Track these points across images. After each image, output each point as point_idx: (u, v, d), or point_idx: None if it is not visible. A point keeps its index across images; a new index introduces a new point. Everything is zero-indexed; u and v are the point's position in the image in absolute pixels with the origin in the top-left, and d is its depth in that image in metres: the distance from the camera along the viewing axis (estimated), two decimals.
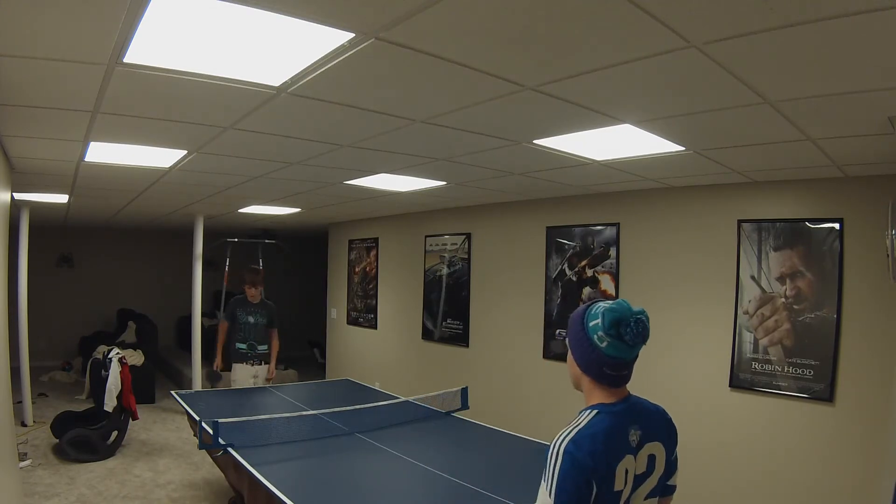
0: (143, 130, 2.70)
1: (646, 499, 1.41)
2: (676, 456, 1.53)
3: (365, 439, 3.22)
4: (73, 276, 9.56)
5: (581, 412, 1.42)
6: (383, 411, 3.64)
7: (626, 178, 3.71)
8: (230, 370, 5.01)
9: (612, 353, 1.37)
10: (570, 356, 1.49)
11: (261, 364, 5.02)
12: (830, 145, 2.60)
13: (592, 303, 1.43)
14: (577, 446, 1.30)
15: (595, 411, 1.41)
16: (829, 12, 1.35)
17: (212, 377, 6.13)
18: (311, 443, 3.15)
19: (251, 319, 5.00)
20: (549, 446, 1.34)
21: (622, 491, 1.33)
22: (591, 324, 1.39)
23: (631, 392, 1.48)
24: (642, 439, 1.40)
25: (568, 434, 1.34)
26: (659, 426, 1.49)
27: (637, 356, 1.42)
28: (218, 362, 5.13)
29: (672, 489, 1.54)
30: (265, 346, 5.06)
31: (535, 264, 4.88)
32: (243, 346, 4.96)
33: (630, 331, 1.35)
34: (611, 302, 1.40)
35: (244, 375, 4.93)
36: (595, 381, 1.44)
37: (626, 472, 1.34)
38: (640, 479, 1.38)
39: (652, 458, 1.42)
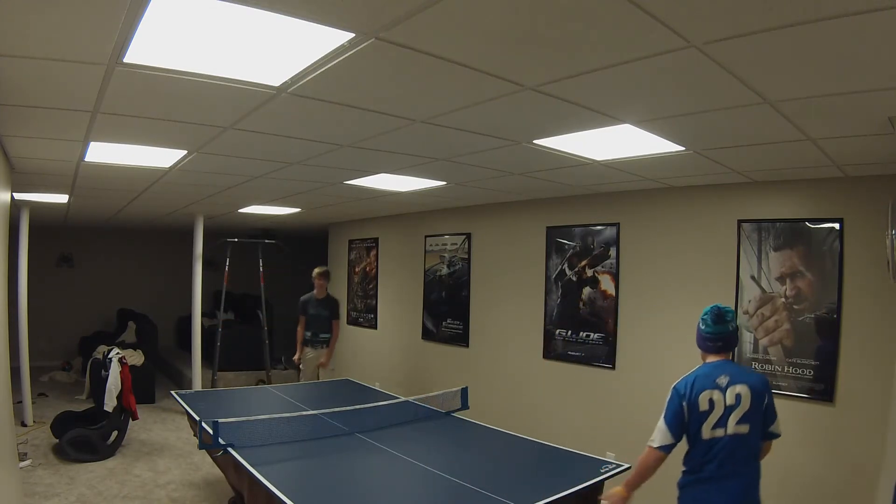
0: (143, 130, 2.70)
1: (738, 423, 2.20)
2: (771, 407, 2.27)
3: (365, 439, 3.22)
4: (73, 276, 9.56)
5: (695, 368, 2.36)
6: (383, 411, 3.64)
7: (626, 178, 3.71)
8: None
9: (712, 331, 2.35)
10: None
11: (322, 347, 5.79)
12: (830, 145, 2.60)
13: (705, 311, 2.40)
14: (678, 383, 2.31)
15: (699, 366, 2.36)
16: (829, 12, 1.35)
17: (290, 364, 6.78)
18: (311, 443, 3.14)
19: (314, 312, 5.84)
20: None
21: (709, 412, 2.20)
22: (699, 320, 2.40)
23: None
24: (730, 382, 2.23)
25: (675, 384, 2.32)
26: (747, 377, 2.28)
27: (729, 330, 2.35)
28: (297, 356, 5.87)
29: (774, 435, 2.31)
30: (327, 335, 5.81)
31: (535, 264, 4.88)
32: (308, 333, 5.83)
33: (717, 315, 2.34)
34: (710, 306, 2.39)
35: (311, 357, 5.78)
36: (705, 352, 2.40)
37: (711, 400, 2.21)
38: (730, 409, 2.20)
39: (738, 396, 2.21)
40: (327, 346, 5.78)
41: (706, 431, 2.20)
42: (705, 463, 2.22)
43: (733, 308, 2.59)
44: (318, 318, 5.84)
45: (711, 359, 2.34)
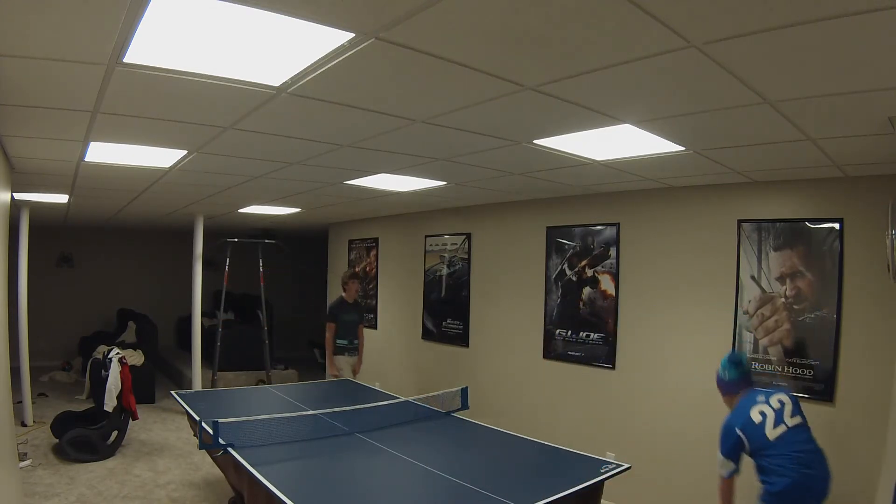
0: (143, 130, 2.70)
1: (791, 416, 2.58)
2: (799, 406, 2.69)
3: (365, 439, 3.22)
4: (73, 276, 9.56)
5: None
6: (383, 411, 3.64)
7: (626, 178, 3.71)
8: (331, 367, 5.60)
9: (733, 376, 2.83)
10: (722, 396, 2.89)
11: (354, 354, 5.60)
12: (830, 145, 2.60)
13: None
14: (727, 419, 2.69)
15: (738, 401, 2.76)
16: (829, 12, 1.35)
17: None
18: (312, 443, 3.14)
19: (348, 317, 5.56)
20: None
21: (764, 419, 2.57)
22: (719, 374, 2.87)
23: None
24: (767, 395, 2.68)
25: (728, 415, 2.74)
26: (778, 391, 2.75)
27: (746, 370, 2.86)
28: (333, 370, 5.50)
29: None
30: (357, 340, 5.63)
31: (535, 264, 4.88)
32: (344, 341, 5.51)
33: (738, 361, 2.87)
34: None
35: (345, 364, 5.52)
36: (734, 394, 2.82)
37: (762, 412, 2.60)
38: (779, 411, 2.59)
39: (780, 401, 2.63)
40: (356, 352, 5.61)
41: (770, 432, 2.54)
42: (782, 459, 2.50)
43: (736, 350, 3.24)
44: (352, 323, 5.59)
45: (742, 394, 2.76)
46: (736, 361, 2.84)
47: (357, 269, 6.22)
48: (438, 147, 3.03)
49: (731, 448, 2.60)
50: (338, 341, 5.49)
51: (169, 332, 9.85)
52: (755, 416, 2.59)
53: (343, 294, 5.61)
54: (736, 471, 2.62)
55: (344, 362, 5.51)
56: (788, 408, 2.60)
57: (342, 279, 5.69)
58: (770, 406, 2.61)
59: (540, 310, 4.81)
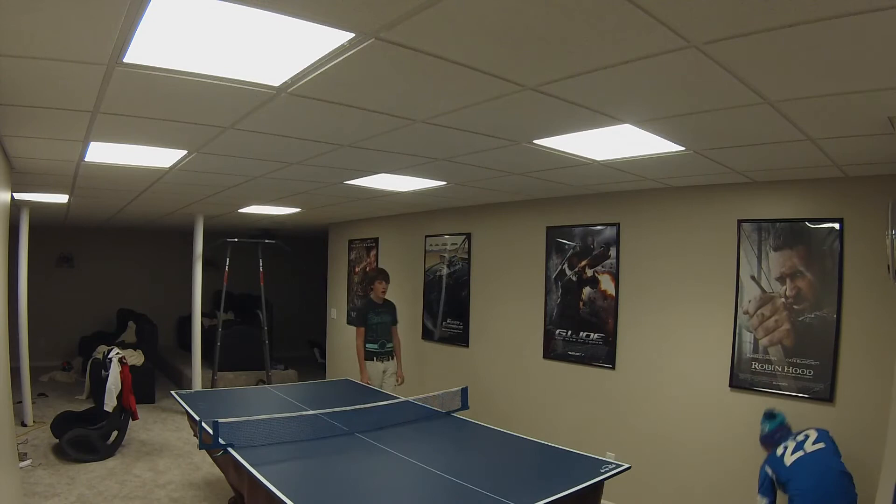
0: (143, 130, 2.70)
1: (814, 444, 2.74)
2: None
3: (365, 439, 3.22)
4: (73, 276, 9.56)
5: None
6: (383, 411, 3.64)
7: (626, 178, 3.71)
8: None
9: (770, 430, 3.07)
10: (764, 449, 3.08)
11: (390, 360, 5.26)
12: (830, 145, 2.60)
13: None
14: (762, 468, 2.92)
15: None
16: (830, 12, 1.35)
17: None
18: (312, 443, 3.14)
19: (378, 319, 5.25)
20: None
21: (784, 452, 2.79)
22: (762, 429, 3.13)
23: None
24: (796, 433, 2.88)
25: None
26: (806, 429, 2.92)
27: (780, 422, 3.06)
28: (365, 377, 5.11)
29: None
30: (391, 344, 5.30)
31: (535, 264, 4.88)
32: (374, 345, 5.18)
33: (767, 420, 3.13)
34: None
35: (376, 372, 5.15)
36: (775, 444, 2.96)
37: (785, 445, 2.83)
38: (802, 441, 2.78)
39: (806, 434, 2.82)
40: (392, 358, 5.26)
41: (787, 459, 2.75)
42: (799, 483, 2.67)
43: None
44: (383, 325, 5.24)
45: (776, 438, 2.99)
46: (769, 414, 3.08)
47: (381, 268, 5.64)
48: (438, 147, 3.03)
49: (761, 484, 2.87)
50: (367, 346, 5.14)
51: (169, 332, 9.86)
52: (779, 450, 2.84)
53: (370, 295, 5.34)
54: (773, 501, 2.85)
55: (375, 369, 5.13)
56: (812, 438, 2.77)
57: (368, 279, 5.38)
58: (794, 439, 2.82)
59: (540, 310, 4.81)
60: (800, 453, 2.72)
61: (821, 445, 2.73)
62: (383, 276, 5.35)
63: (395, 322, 5.36)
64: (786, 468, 2.73)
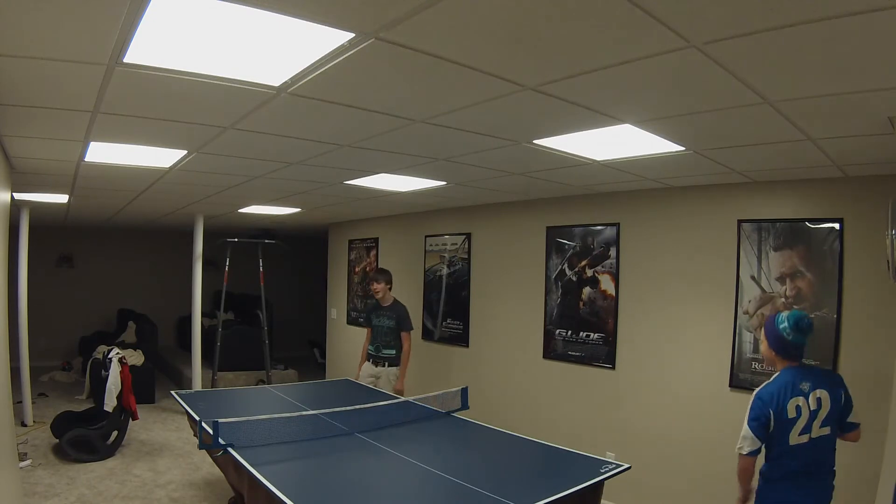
0: (143, 130, 2.70)
1: (821, 426, 2.38)
2: (848, 401, 2.46)
3: (365, 439, 3.22)
4: (73, 276, 9.56)
5: (775, 374, 2.49)
6: (383, 411, 3.64)
7: (626, 178, 3.71)
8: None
9: (795, 340, 2.44)
10: (766, 345, 2.54)
11: (384, 366, 4.96)
12: (830, 145, 2.60)
13: (777, 314, 2.52)
14: (762, 391, 2.42)
15: (780, 372, 2.47)
16: (830, 12, 1.35)
17: None
18: (311, 443, 3.14)
19: (377, 322, 5.07)
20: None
21: (796, 419, 2.34)
22: (780, 326, 2.46)
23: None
24: (811, 387, 2.39)
25: (763, 385, 2.45)
26: (825, 380, 2.45)
27: (804, 342, 2.46)
28: (357, 374, 5.07)
29: (855, 425, 2.48)
30: (391, 350, 4.97)
31: (535, 264, 4.88)
32: (371, 347, 5.09)
33: (806, 326, 2.43)
34: (789, 312, 2.49)
35: (363, 374, 5.02)
36: (783, 359, 2.49)
37: (798, 407, 2.35)
38: (814, 413, 2.36)
39: (819, 400, 2.38)
40: (391, 365, 4.94)
41: (793, 437, 2.36)
42: (788, 465, 2.39)
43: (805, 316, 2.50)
44: (380, 329, 5.01)
45: (788, 364, 2.47)
46: (804, 328, 2.43)
47: (387, 269, 5.33)
48: (438, 147, 3.03)
49: (761, 425, 2.37)
50: (368, 347, 5.11)
51: (169, 332, 9.86)
52: (791, 410, 2.35)
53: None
54: (759, 450, 2.40)
55: (364, 372, 5.02)
56: (824, 412, 2.37)
57: (367, 279, 5.19)
58: (808, 403, 2.36)
59: (540, 310, 4.81)
60: (805, 438, 2.35)
61: (826, 431, 2.39)
62: (374, 276, 5.15)
63: (402, 327, 4.97)
64: (787, 444, 2.36)
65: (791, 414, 2.35)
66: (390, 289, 5.13)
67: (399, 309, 5.06)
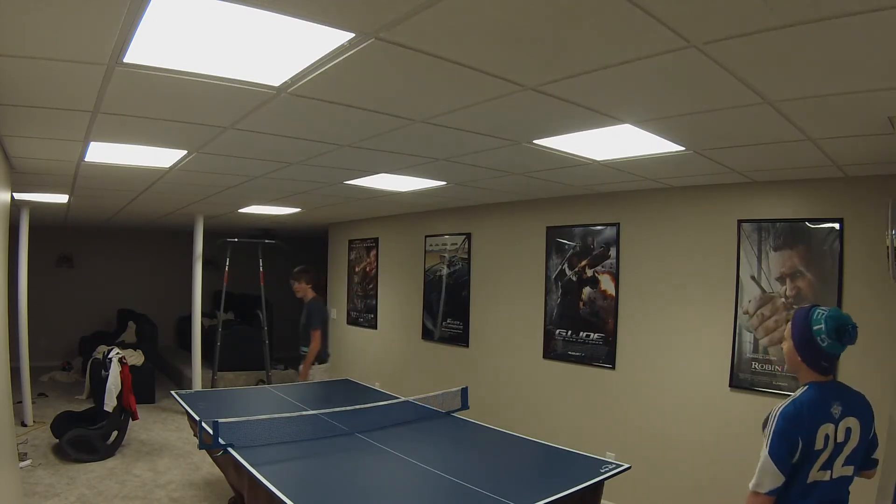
0: (143, 130, 2.70)
1: (844, 465, 1.82)
2: (875, 435, 1.96)
3: (365, 439, 3.22)
4: (73, 276, 9.56)
5: (799, 389, 1.89)
6: (383, 411, 3.64)
7: (626, 178, 3.71)
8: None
9: (830, 350, 1.84)
10: (791, 346, 1.93)
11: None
12: (830, 145, 2.60)
13: (812, 308, 1.90)
14: (789, 412, 1.78)
15: (806, 388, 1.86)
16: (829, 12, 1.35)
17: None
18: (312, 443, 3.14)
19: (301, 320, 5.11)
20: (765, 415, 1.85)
21: (822, 451, 1.77)
22: (815, 327, 1.85)
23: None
24: (842, 413, 1.82)
25: (785, 403, 1.82)
26: (857, 405, 1.88)
27: (840, 352, 1.86)
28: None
29: (875, 462, 2.00)
30: (307, 348, 5.05)
31: (535, 264, 4.88)
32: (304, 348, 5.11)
33: (849, 336, 1.80)
34: (828, 309, 1.86)
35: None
36: (811, 369, 1.88)
37: (827, 436, 1.78)
38: (839, 447, 1.80)
39: (848, 430, 1.82)
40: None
41: (813, 474, 1.79)
42: (801, 498, 1.80)
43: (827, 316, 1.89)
44: (301, 326, 5.10)
45: (816, 378, 1.87)
46: (846, 336, 1.81)
47: (304, 267, 5.38)
48: (438, 147, 3.03)
49: (787, 454, 1.75)
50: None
51: (169, 332, 9.86)
52: (819, 440, 1.77)
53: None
54: (780, 490, 1.76)
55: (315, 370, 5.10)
56: (850, 447, 1.83)
57: None
58: (836, 433, 1.80)
59: (540, 310, 4.81)
60: (826, 475, 1.80)
61: (848, 472, 1.86)
62: (292, 275, 5.17)
63: (309, 324, 4.98)
64: (804, 481, 1.78)
65: (818, 445, 1.76)
66: (312, 286, 5.16)
67: (311, 306, 5.08)
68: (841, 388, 1.92)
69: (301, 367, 5.07)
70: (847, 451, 1.83)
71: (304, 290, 5.17)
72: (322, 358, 5.09)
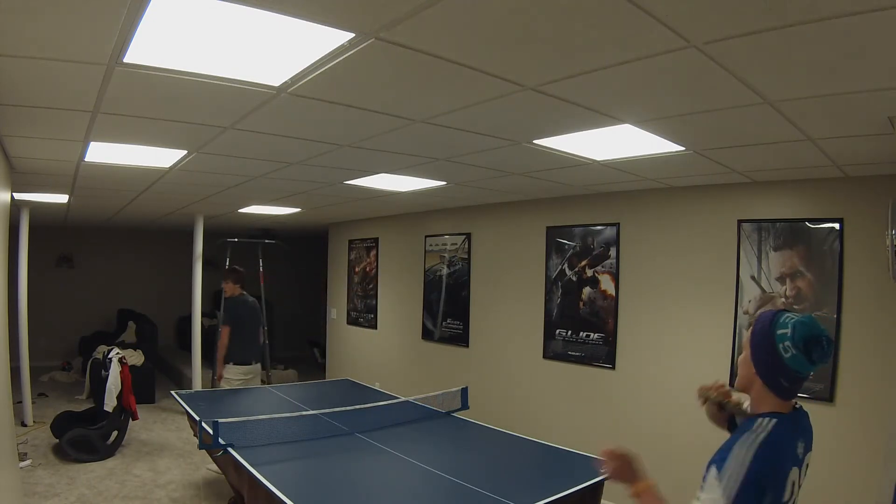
0: (143, 130, 2.70)
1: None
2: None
3: (365, 439, 3.22)
4: (73, 276, 9.55)
5: (757, 419, 1.42)
6: (383, 411, 3.64)
7: (626, 178, 3.71)
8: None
9: (794, 366, 1.38)
10: (747, 356, 1.49)
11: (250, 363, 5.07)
12: (830, 145, 2.60)
13: (782, 311, 1.46)
14: (765, 454, 1.32)
15: (774, 421, 1.39)
16: (829, 12, 1.35)
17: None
18: (311, 443, 3.15)
19: None
20: (723, 450, 1.39)
21: (787, 502, 1.37)
22: (779, 331, 1.41)
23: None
24: (804, 451, 1.44)
25: (753, 442, 1.35)
26: (810, 436, 1.50)
27: (808, 374, 1.43)
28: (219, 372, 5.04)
29: None
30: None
31: (535, 264, 4.88)
32: None
33: (820, 351, 1.37)
34: (801, 315, 1.42)
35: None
36: (768, 389, 1.44)
37: (793, 484, 1.38)
38: (797, 490, 1.42)
39: (806, 468, 1.46)
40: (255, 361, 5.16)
41: None
42: None
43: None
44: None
45: (782, 407, 1.44)
46: (813, 342, 1.36)
47: (233, 267, 5.46)
48: (438, 147, 3.03)
49: (757, 498, 1.30)
50: None
51: (169, 332, 9.85)
52: (787, 488, 1.36)
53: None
54: None
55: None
56: (801, 484, 1.43)
57: None
58: (800, 477, 1.42)
59: (540, 310, 4.81)
60: None
61: None
62: (231, 275, 5.28)
63: (222, 321, 5.15)
64: None
65: (786, 496, 1.37)
66: (240, 286, 5.25)
67: (225, 303, 5.26)
68: (799, 416, 1.48)
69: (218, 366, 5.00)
70: (799, 491, 1.43)
71: (230, 290, 5.27)
72: (241, 360, 4.97)
